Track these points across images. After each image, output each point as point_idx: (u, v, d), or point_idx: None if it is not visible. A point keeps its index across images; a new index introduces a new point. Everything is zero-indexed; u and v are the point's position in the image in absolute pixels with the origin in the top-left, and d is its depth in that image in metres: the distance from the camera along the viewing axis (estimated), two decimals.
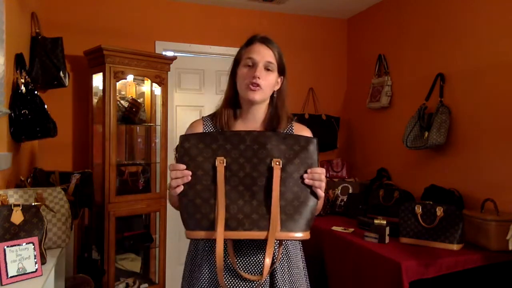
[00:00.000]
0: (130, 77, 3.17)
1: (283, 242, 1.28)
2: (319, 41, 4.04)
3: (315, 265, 2.78)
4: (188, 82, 3.72)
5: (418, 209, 2.36)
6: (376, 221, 2.43)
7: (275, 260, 1.20)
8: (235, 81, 1.36)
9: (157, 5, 3.54)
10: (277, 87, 1.37)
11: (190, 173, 1.10)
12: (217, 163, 1.10)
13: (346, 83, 4.13)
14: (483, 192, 2.50)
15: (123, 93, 3.28)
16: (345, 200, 3.32)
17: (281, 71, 1.36)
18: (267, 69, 1.31)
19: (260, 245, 1.24)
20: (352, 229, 2.70)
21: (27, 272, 1.38)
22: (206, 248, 1.29)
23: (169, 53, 3.51)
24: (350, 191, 3.37)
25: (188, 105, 3.72)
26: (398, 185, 3.26)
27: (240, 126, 1.37)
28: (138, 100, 3.24)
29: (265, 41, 1.34)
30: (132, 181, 3.25)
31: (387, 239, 2.38)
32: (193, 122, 1.43)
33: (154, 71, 3.12)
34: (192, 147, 1.12)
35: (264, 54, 1.31)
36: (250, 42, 1.35)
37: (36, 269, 1.40)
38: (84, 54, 3.08)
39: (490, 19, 2.57)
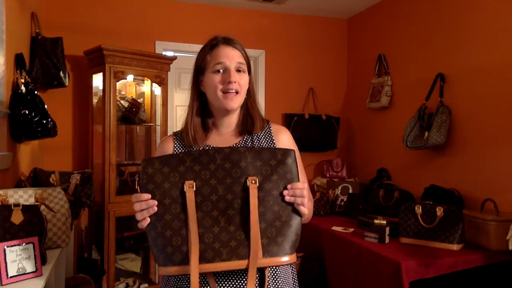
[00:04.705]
0: (130, 77, 3.17)
1: (268, 268, 1.12)
2: (319, 41, 4.04)
3: (315, 265, 2.78)
4: (188, 82, 3.69)
5: (418, 209, 2.36)
6: (376, 221, 2.43)
7: None
8: (199, 90, 1.28)
9: (157, 5, 3.54)
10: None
11: (155, 203, 0.99)
12: (185, 188, 0.99)
13: (346, 83, 4.13)
14: (483, 192, 2.50)
15: (123, 93, 3.28)
16: (345, 200, 3.32)
17: (249, 70, 1.27)
18: (238, 70, 1.21)
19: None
20: (352, 229, 2.70)
21: (27, 272, 1.38)
22: (179, 284, 1.13)
23: (169, 53, 3.51)
24: (350, 191, 3.37)
25: (188, 105, 3.70)
26: (398, 185, 3.26)
27: (214, 136, 1.27)
28: (138, 100, 3.24)
29: (230, 41, 1.23)
30: (132, 181, 3.25)
31: (387, 239, 2.38)
32: (163, 139, 1.32)
33: (154, 71, 3.12)
34: (156, 172, 1.00)
35: (232, 56, 1.21)
36: (214, 45, 1.24)
37: (36, 269, 1.40)
38: (84, 54, 3.08)
39: (490, 19, 2.57)
